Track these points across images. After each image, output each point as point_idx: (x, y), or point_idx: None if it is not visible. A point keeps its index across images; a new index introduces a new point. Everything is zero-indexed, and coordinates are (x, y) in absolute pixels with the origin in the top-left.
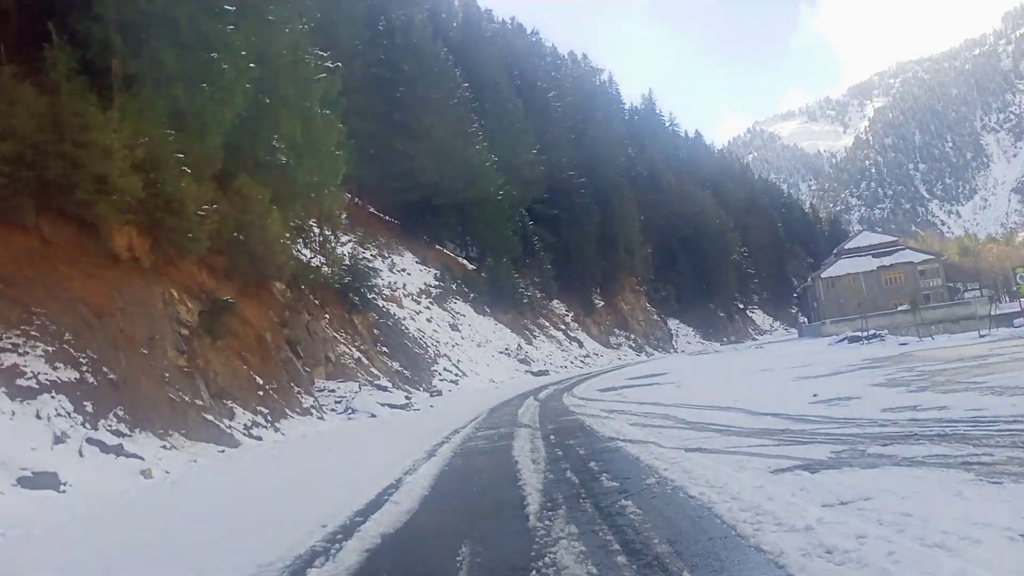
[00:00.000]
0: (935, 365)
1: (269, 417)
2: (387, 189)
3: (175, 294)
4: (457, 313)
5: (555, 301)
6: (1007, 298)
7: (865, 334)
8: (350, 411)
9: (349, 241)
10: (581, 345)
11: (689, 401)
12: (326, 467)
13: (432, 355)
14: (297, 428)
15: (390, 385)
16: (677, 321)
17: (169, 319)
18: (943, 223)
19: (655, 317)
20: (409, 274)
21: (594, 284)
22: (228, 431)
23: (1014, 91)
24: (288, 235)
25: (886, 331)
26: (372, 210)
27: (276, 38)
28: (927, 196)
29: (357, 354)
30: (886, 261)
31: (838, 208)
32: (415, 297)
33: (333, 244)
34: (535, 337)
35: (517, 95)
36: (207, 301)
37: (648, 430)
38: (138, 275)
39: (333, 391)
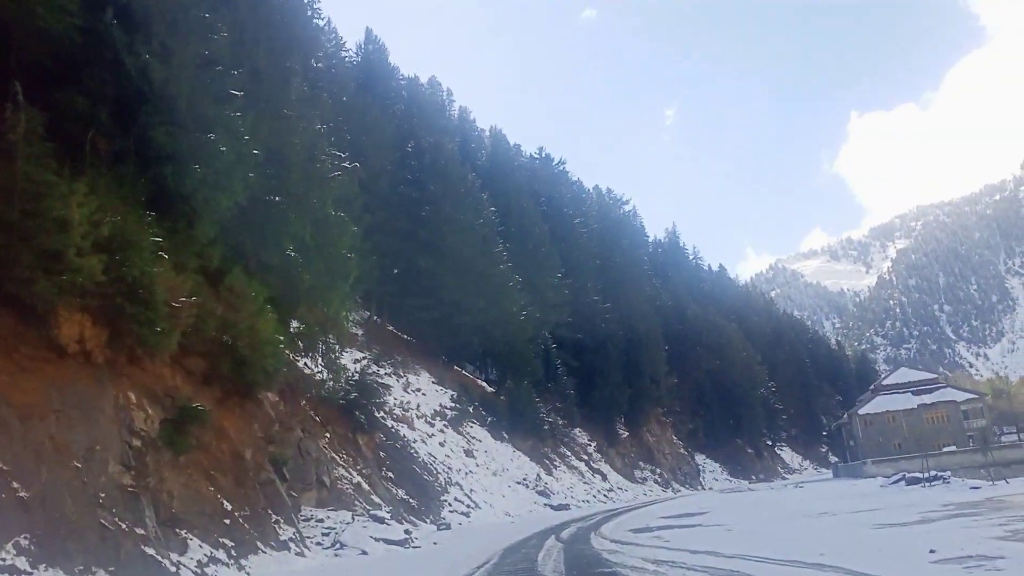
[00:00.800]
0: None
1: (234, 551)
2: (407, 307)
3: (132, 397)
4: (473, 438)
5: (577, 429)
6: None
7: (924, 475)
8: (338, 546)
9: (364, 358)
10: (604, 478)
11: (755, 552)
12: None
13: (443, 483)
14: (268, 567)
15: (388, 516)
16: (704, 456)
17: (119, 426)
18: (971, 365)
19: (682, 451)
20: (424, 394)
21: (619, 413)
22: (173, 569)
23: None
24: (283, 338)
25: (948, 472)
26: (391, 328)
27: (290, 134)
28: (953, 338)
29: (358, 479)
30: (927, 399)
31: (863, 347)
32: (429, 419)
33: (338, 354)
34: (555, 467)
35: (543, 220)
36: (172, 408)
37: None
38: (87, 372)
39: (322, 521)
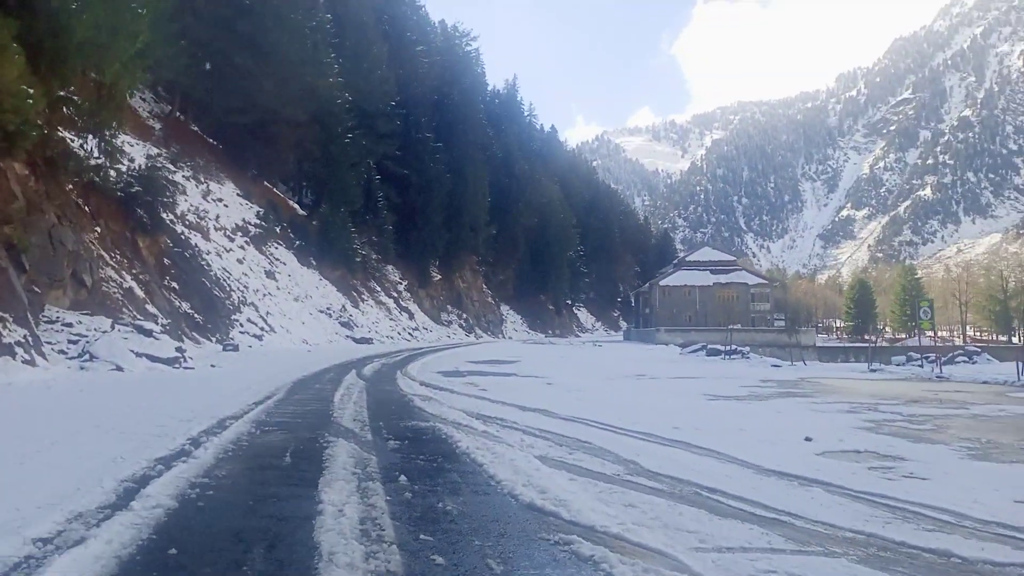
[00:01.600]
0: (897, 406)
1: None
2: (217, 108)
3: None
4: (277, 259)
5: (391, 267)
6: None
7: (725, 348)
8: (86, 357)
9: (159, 154)
10: (411, 317)
11: (594, 417)
12: None
13: (236, 301)
14: None
15: (160, 330)
16: (508, 307)
17: None
18: (754, 255)
19: (489, 300)
20: (226, 206)
21: (434, 256)
22: None
23: (835, 147)
24: (35, 92)
25: (747, 348)
26: (195, 129)
27: None
28: (745, 229)
29: (131, 284)
30: (722, 279)
31: (666, 226)
32: (229, 233)
33: (114, 133)
34: (363, 301)
35: (383, 40)
36: None
37: (596, 487)
38: None
39: (71, 326)
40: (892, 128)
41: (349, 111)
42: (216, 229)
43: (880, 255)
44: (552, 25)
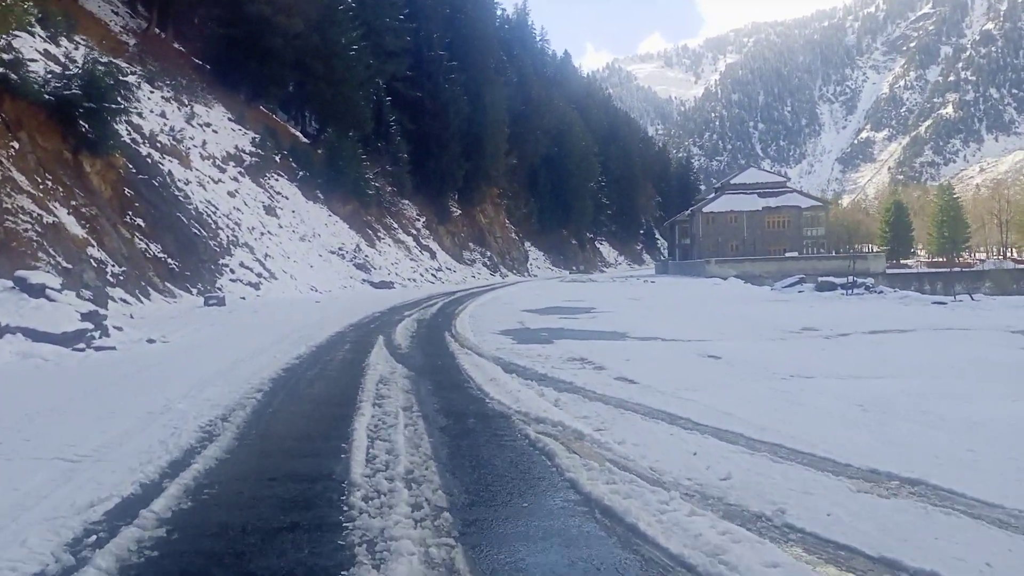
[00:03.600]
0: None
1: None
2: (202, 17)
3: None
4: (278, 193)
5: (406, 201)
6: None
7: (845, 282)
8: None
9: (133, 73)
10: (433, 256)
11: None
12: None
13: (225, 242)
14: None
15: (56, 284)
16: (529, 243)
17: None
18: None
19: (513, 235)
20: (215, 131)
21: (453, 189)
22: None
23: (853, 67)
24: None
25: (870, 280)
26: (178, 46)
27: None
28: (761, 155)
29: (61, 218)
30: (772, 202)
31: (681, 154)
32: (219, 162)
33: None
34: (380, 239)
35: None
36: None
37: None
38: None
39: None
40: (912, 45)
41: (353, 19)
42: (203, 157)
43: (901, 177)
44: None
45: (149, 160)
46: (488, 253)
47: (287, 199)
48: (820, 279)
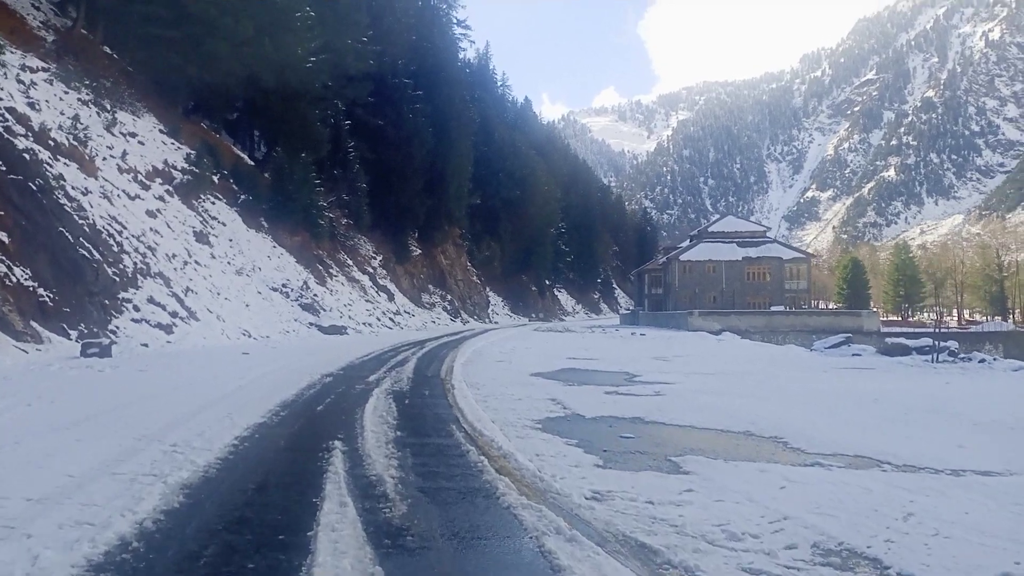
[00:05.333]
0: None
1: None
2: (135, 16)
3: None
4: (213, 217)
5: (362, 237)
6: None
7: (927, 345)
8: None
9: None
10: (391, 298)
11: None
12: None
13: (130, 270)
14: None
15: None
16: (488, 288)
17: None
18: None
19: (475, 279)
20: (141, 142)
21: (413, 226)
22: None
23: (800, 128)
24: None
25: (953, 343)
26: (106, 49)
27: None
28: (711, 209)
29: None
30: (752, 253)
31: (634, 207)
32: (141, 176)
33: None
34: (332, 276)
35: None
36: None
37: None
38: None
39: None
40: (856, 109)
41: (311, 29)
42: (122, 170)
43: (845, 236)
44: (515, 3)
45: (28, 156)
46: (449, 297)
47: (224, 225)
48: (890, 341)
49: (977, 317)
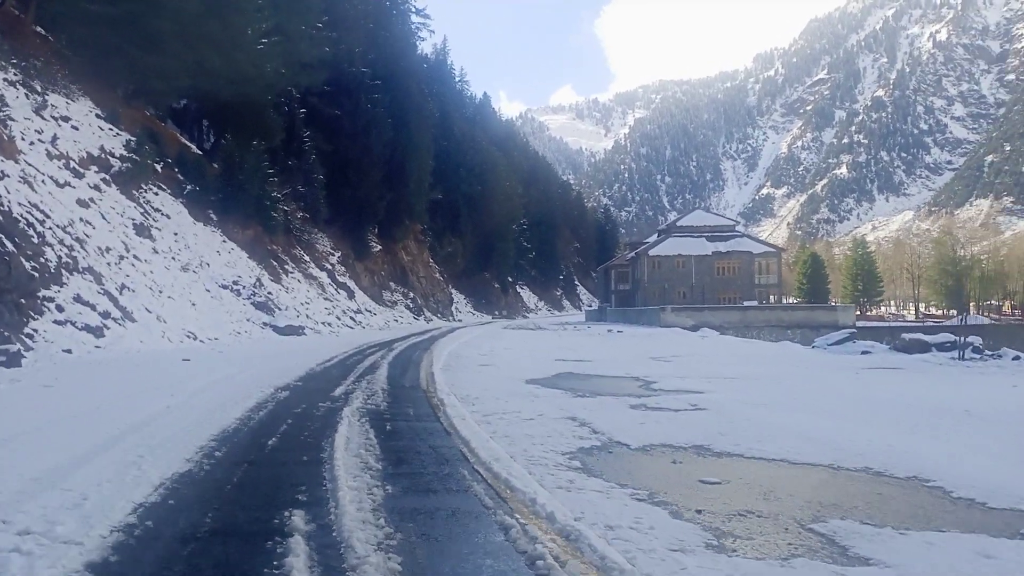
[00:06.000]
0: None
1: None
2: None
3: None
4: (156, 210)
5: (320, 233)
6: None
7: (947, 342)
8: None
9: None
10: (351, 296)
11: None
12: None
13: (53, 265)
14: None
15: None
16: (450, 286)
17: None
18: None
19: (438, 276)
20: (76, 127)
21: (373, 221)
22: None
23: (755, 126)
24: None
25: (977, 339)
26: (40, 30)
27: None
28: (668, 207)
29: None
30: (722, 247)
31: (592, 204)
32: (74, 163)
33: None
34: (288, 273)
35: None
36: None
37: None
38: None
39: None
40: (808, 108)
41: (262, 10)
42: (52, 156)
43: (799, 232)
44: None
45: None
46: (411, 294)
47: (168, 217)
48: (906, 337)
49: (933, 311)
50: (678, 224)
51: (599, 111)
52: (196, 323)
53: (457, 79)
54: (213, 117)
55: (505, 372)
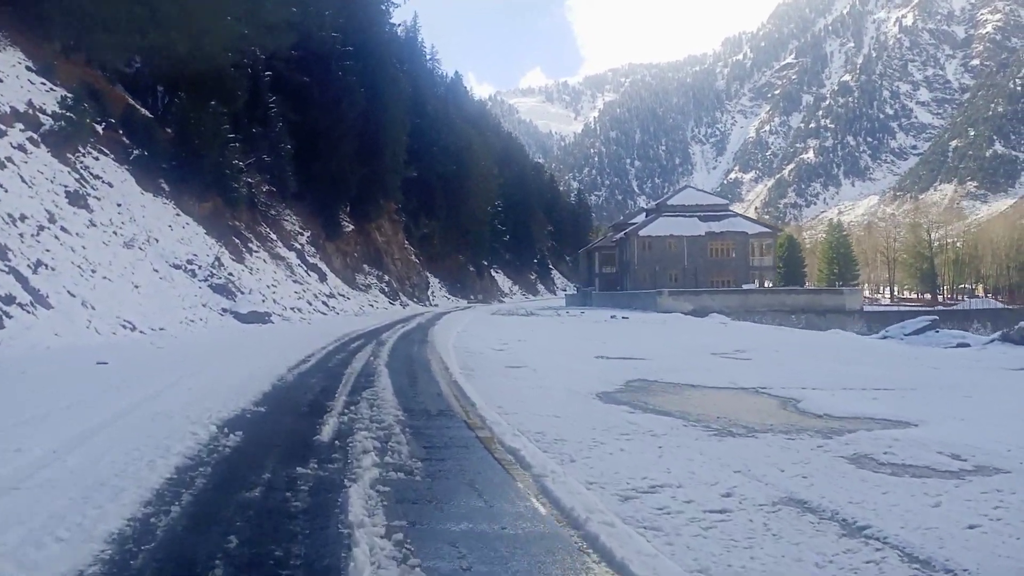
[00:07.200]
0: None
1: None
2: None
3: None
4: (96, 177)
5: (287, 210)
6: None
7: None
8: None
9: None
10: (323, 278)
11: None
12: None
13: None
14: None
15: None
16: (425, 269)
17: None
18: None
19: (413, 258)
20: (0, 79)
21: (345, 199)
22: None
23: (723, 110)
24: None
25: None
26: None
27: None
28: (638, 191)
29: None
30: (715, 227)
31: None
32: None
33: None
34: (252, 252)
35: None
36: None
37: None
38: None
39: None
40: (776, 92)
41: None
42: None
43: (767, 216)
44: None
45: None
46: (387, 277)
47: (110, 186)
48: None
49: (907, 294)
50: (668, 203)
51: (569, 94)
52: (137, 310)
53: (428, 57)
54: (168, 80)
55: (551, 379)
